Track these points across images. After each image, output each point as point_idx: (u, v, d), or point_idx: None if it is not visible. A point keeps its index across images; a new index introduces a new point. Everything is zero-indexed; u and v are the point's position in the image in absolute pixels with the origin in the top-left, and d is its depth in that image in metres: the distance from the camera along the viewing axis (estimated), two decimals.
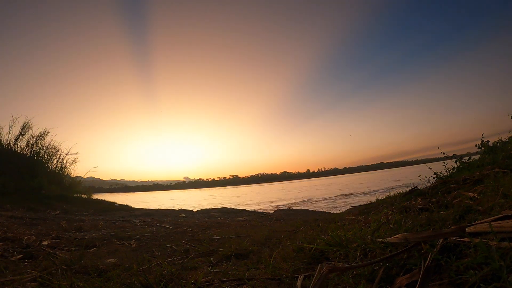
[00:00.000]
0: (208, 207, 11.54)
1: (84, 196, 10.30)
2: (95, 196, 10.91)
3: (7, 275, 1.97)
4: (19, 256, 2.50)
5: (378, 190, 17.34)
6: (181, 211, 9.08)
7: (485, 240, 1.12)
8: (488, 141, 5.15)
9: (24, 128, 10.19)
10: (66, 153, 11.14)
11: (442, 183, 3.51)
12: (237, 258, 2.45)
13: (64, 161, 11.16)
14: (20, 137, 10.14)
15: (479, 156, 5.05)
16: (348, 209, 6.52)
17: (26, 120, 10.32)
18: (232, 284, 1.71)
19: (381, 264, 1.39)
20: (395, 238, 1.51)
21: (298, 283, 1.53)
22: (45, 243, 3.03)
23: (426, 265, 1.21)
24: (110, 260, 2.44)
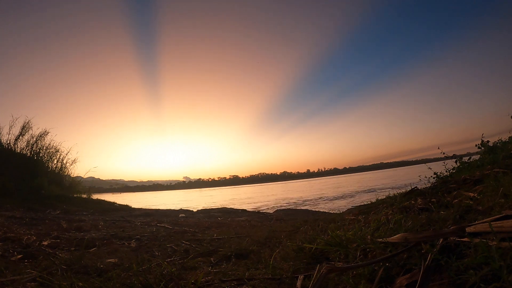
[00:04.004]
0: (208, 207, 11.54)
1: (84, 196, 10.30)
2: (95, 196, 10.91)
3: (7, 275, 1.96)
4: (19, 256, 2.49)
5: (378, 190, 17.34)
6: (181, 211, 9.09)
7: (485, 240, 1.12)
8: (488, 141, 5.14)
9: (24, 128, 10.19)
10: (66, 153, 11.14)
11: (442, 183, 3.51)
12: (237, 258, 2.45)
13: (64, 161, 11.17)
14: (20, 137, 10.13)
15: (479, 156, 5.04)
16: (348, 209, 6.52)
17: (26, 120, 10.32)
18: (232, 284, 1.71)
19: (381, 264, 1.39)
20: (395, 238, 1.51)
21: (298, 283, 1.53)
22: (45, 243, 3.03)
23: (426, 265, 1.21)
24: (110, 260, 2.44)
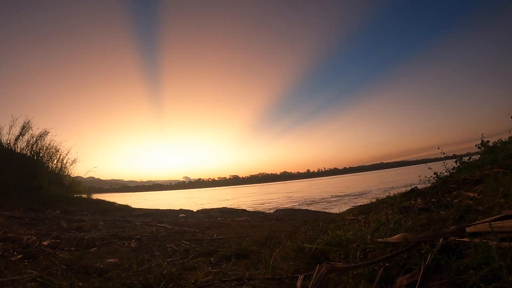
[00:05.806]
0: (208, 207, 11.54)
1: (84, 196, 10.29)
2: (95, 196, 10.90)
3: (7, 275, 1.96)
4: (19, 256, 2.49)
5: (378, 190, 17.32)
6: (181, 211, 9.08)
7: (485, 240, 1.12)
8: (488, 141, 5.14)
9: (24, 128, 10.18)
10: (66, 153, 11.13)
11: (442, 183, 3.51)
12: (237, 258, 2.45)
13: (64, 161, 11.15)
14: (20, 137, 10.12)
15: (479, 156, 5.04)
16: (348, 209, 6.51)
17: (26, 120, 10.30)
18: (232, 284, 1.71)
19: (381, 264, 1.39)
20: (395, 238, 1.51)
21: (298, 283, 1.53)
22: (45, 243, 3.03)
23: (426, 265, 1.21)
24: (110, 260, 2.44)
